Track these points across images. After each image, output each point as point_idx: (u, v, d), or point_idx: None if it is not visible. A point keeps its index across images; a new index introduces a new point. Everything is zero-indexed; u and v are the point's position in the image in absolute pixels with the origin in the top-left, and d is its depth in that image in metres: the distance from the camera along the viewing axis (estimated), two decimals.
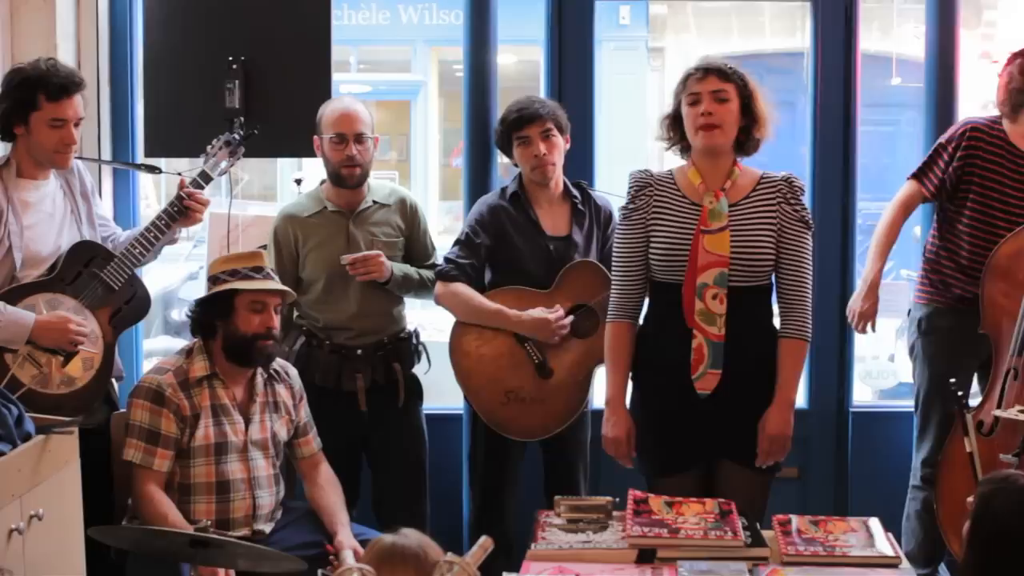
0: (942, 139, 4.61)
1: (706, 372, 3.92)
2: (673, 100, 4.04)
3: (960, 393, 3.65)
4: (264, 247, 4.67)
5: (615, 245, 4.12)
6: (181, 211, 4.31)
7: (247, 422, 4.10)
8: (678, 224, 3.96)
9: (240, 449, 4.07)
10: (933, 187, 4.56)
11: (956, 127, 4.61)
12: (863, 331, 4.61)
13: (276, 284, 4.10)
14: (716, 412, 3.93)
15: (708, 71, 3.94)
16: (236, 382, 4.11)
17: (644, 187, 4.04)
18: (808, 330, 4.00)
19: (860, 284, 4.60)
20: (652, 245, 3.99)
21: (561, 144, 4.56)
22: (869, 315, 4.56)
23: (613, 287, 4.11)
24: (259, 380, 4.15)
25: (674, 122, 4.04)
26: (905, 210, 4.62)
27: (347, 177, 4.54)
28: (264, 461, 4.12)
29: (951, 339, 4.58)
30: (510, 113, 4.54)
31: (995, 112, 4.60)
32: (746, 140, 4.00)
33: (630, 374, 4.10)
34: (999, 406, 4.13)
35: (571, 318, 4.50)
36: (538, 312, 4.48)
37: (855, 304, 4.58)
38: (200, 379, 4.04)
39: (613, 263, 4.13)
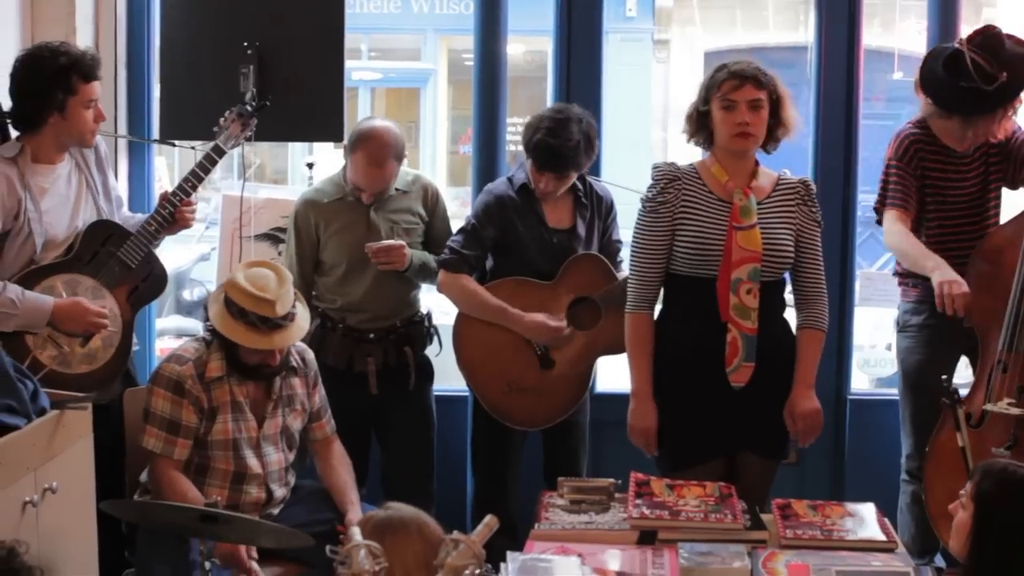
0: (891, 159, 4.53)
1: (740, 365, 3.99)
2: (700, 95, 4.05)
3: (952, 389, 3.67)
4: (278, 229, 4.74)
5: (637, 236, 4.11)
6: (171, 218, 4.33)
7: (261, 420, 4.11)
8: (709, 220, 4.00)
9: (254, 445, 4.09)
10: (914, 207, 4.50)
11: (896, 141, 4.55)
12: (963, 301, 4.15)
13: (278, 342, 4.01)
14: (745, 404, 4.00)
15: (745, 79, 3.97)
16: (252, 379, 4.12)
17: (672, 180, 4.05)
18: (826, 322, 4.12)
19: (933, 275, 4.25)
20: (680, 241, 4.02)
21: (572, 178, 4.55)
22: (960, 284, 4.19)
23: (632, 278, 4.12)
24: (276, 378, 4.15)
25: (700, 117, 4.06)
26: (906, 225, 4.48)
27: (364, 196, 4.63)
28: (277, 455, 4.15)
29: (922, 335, 4.59)
30: (537, 148, 4.44)
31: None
32: (768, 140, 4.06)
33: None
34: (987, 399, 4.15)
35: (570, 329, 4.53)
36: (541, 317, 4.52)
37: (945, 287, 4.16)
38: (218, 377, 4.05)
39: (633, 254, 4.12)
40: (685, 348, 4.06)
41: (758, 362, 3.99)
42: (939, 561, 4.72)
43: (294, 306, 4.04)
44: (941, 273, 4.21)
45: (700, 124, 4.06)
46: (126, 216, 4.48)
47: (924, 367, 4.53)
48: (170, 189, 4.41)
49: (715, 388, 4.00)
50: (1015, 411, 4.04)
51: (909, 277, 4.63)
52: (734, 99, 3.96)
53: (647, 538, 3.51)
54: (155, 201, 4.43)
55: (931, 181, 4.52)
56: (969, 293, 4.14)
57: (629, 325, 4.13)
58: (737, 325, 3.98)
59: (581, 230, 4.61)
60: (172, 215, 4.33)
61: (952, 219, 4.54)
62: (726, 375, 3.99)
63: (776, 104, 4.02)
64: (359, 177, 4.57)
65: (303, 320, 4.11)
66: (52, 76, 4.13)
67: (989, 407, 4.12)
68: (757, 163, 4.10)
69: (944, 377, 3.77)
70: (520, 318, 4.52)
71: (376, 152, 4.53)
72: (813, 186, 4.16)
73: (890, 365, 6.09)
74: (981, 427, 4.14)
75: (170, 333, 7.34)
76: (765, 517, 3.65)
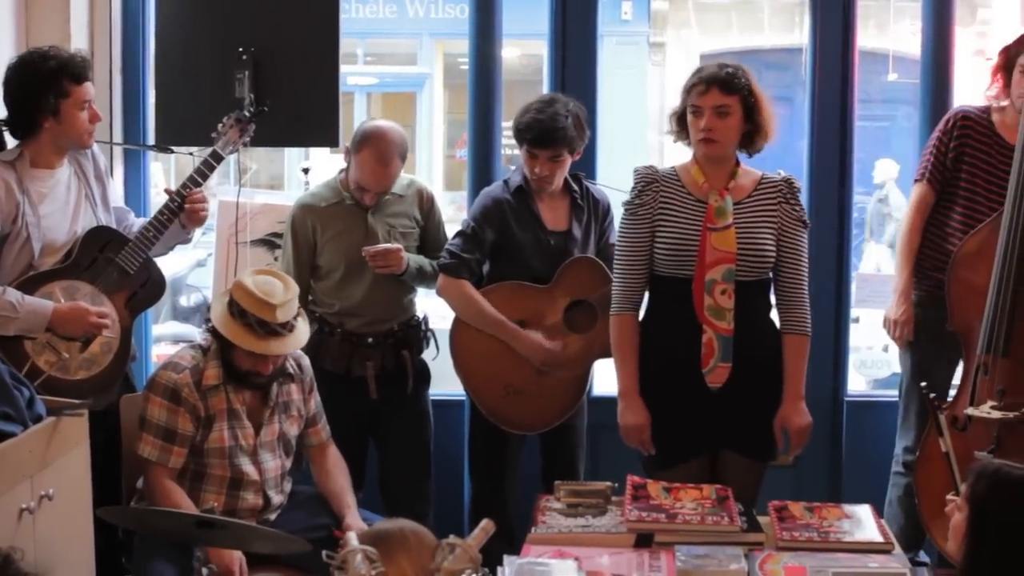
0: (936, 131, 4.62)
1: (716, 366, 3.99)
2: (681, 98, 4.08)
3: (933, 395, 3.68)
4: (274, 235, 4.73)
5: (619, 239, 4.15)
6: (181, 208, 4.31)
7: (258, 427, 4.11)
8: (685, 221, 4.01)
9: (251, 452, 4.08)
10: (939, 183, 4.57)
11: (948, 116, 4.62)
12: (902, 342, 4.63)
13: (274, 349, 4.00)
14: (724, 404, 4.00)
15: (711, 84, 3.97)
16: (244, 387, 4.11)
17: (650, 183, 4.08)
18: (809, 325, 4.10)
19: (893, 295, 4.63)
20: (658, 241, 4.04)
21: (567, 163, 4.53)
22: (906, 322, 4.59)
23: (616, 280, 4.15)
24: (272, 385, 4.14)
25: (681, 119, 4.08)
26: (922, 213, 4.60)
27: (367, 197, 4.62)
28: (274, 462, 4.14)
29: (932, 330, 4.58)
30: (528, 126, 4.45)
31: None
32: (749, 144, 4.06)
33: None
34: (972, 402, 4.15)
35: (561, 343, 4.52)
36: (538, 336, 4.52)
37: (890, 314, 4.61)
38: (215, 385, 4.05)
39: (616, 256, 4.16)
40: (665, 348, 4.08)
41: (738, 363, 3.99)
42: (923, 556, 4.74)
43: (295, 318, 4.04)
44: (893, 303, 4.62)
45: (681, 125, 4.09)
46: (141, 223, 4.46)
47: (929, 363, 4.54)
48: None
49: (694, 388, 4.00)
50: (996, 415, 4.04)
51: (913, 276, 4.65)
52: (699, 105, 3.99)
53: (644, 541, 3.51)
54: (152, 207, 4.42)
55: (970, 160, 4.54)
56: (909, 327, 4.60)
57: (614, 326, 4.15)
58: (712, 326, 3.98)
59: (577, 232, 4.61)
60: (171, 220, 4.31)
61: (986, 211, 4.49)
62: (703, 376, 4.00)
63: (751, 109, 4.01)
64: (365, 176, 4.56)
65: (302, 334, 4.09)
66: (43, 81, 4.13)
67: (971, 411, 4.12)
68: (738, 163, 4.10)
69: (923, 385, 3.78)
70: (516, 334, 4.52)
71: (383, 150, 4.54)
72: (797, 184, 4.14)
73: (887, 367, 6.11)
74: (967, 430, 4.14)
75: (166, 339, 7.35)
76: (762, 519, 3.65)
